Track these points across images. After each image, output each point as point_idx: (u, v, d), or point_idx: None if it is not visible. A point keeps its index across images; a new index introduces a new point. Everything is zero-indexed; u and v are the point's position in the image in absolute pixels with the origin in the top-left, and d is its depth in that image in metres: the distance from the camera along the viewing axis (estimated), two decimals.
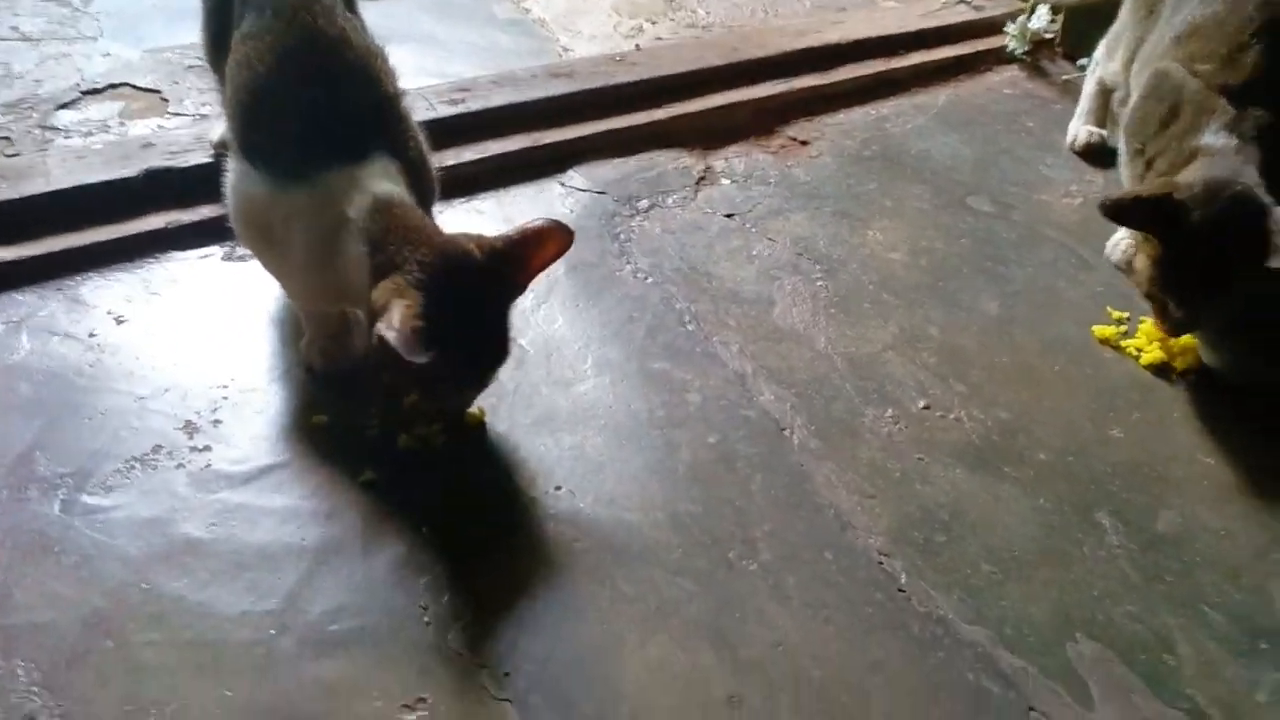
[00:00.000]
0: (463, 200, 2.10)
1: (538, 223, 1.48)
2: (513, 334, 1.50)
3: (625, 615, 1.41)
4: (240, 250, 1.91)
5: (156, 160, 1.96)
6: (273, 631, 1.35)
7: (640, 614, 1.42)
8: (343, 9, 1.65)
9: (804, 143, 2.39)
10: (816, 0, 2.97)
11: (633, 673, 1.35)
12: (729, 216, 2.15)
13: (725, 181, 2.25)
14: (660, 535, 1.52)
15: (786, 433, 1.70)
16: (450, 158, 2.10)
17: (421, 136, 1.67)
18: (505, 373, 1.69)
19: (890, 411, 1.74)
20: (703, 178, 2.26)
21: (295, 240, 1.52)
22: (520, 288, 1.50)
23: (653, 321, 1.88)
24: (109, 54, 2.51)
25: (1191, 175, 1.74)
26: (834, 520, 1.57)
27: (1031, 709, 1.35)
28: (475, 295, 1.43)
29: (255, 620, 1.36)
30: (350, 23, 1.65)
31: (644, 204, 2.16)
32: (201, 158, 1.99)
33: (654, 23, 2.82)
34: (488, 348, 1.48)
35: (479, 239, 1.47)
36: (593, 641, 1.38)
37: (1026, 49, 2.69)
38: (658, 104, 2.37)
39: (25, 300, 1.77)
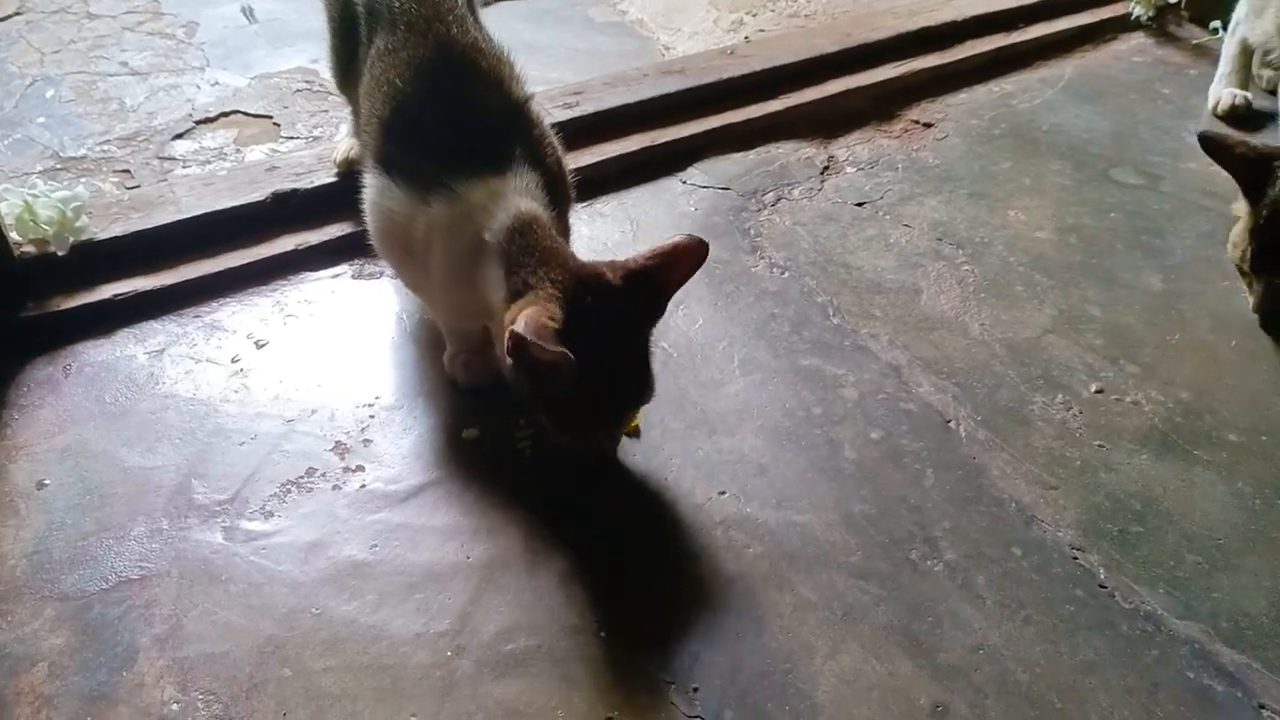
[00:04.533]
0: (584, 204, 2.05)
1: (672, 239, 1.40)
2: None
3: (810, 623, 1.34)
4: (369, 268, 1.89)
5: (282, 183, 1.95)
6: (449, 653, 1.31)
7: (826, 621, 1.35)
8: (471, 18, 1.62)
9: (928, 125, 2.31)
10: None
11: (827, 684, 1.27)
12: (860, 205, 2.08)
13: (850, 170, 2.18)
14: (836, 537, 1.45)
15: (952, 424, 1.62)
16: (568, 162, 2.06)
17: (557, 141, 1.62)
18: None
19: (1060, 397, 1.65)
20: (827, 167, 2.18)
21: (435, 256, 1.48)
22: (659, 310, 1.42)
23: (796, 316, 1.81)
24: (217, 83, 2.52)
25: None
26: (1016, 514, 1.48)
27: (1262, 706, 1.25)
28: (614, 322, 1.37)
29: (431, 642, 1.32)
30: (480, 30, 1.63)
31: (770, 197, 2.09)
32: (325, 178, 1.97)
33: (754, 15, 2.76)
34: (632, 379, 1.42)
35: (610, 264, 1.40)
36: (780, 652, 1.31)
37: (1151, 15, 2.57)
38: (772, 95, 2.30)
39: (165, 328, 1.76)
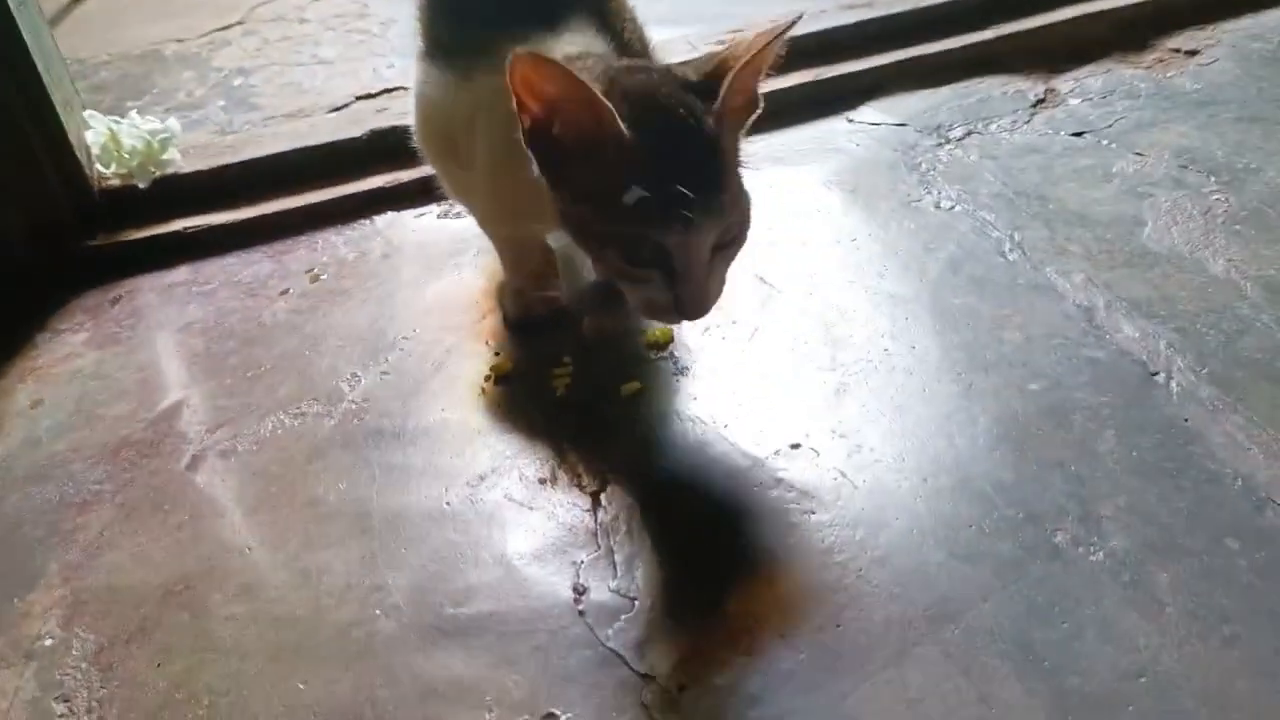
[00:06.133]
0: None
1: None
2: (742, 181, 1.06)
3: (877, 619, 0.90)
4: (457, 207, 1.64)
5: (385, 122, 1.76)
6: (377, 612, 0.98)
7: (900, 618, 0.89)
8: None
9: (1191, 52, 1.76)
10: None
11: (884, 711, 0.82)
12: (1077, 135, 1.59)
13: (1074, 100, 1.68)
14: (944, 506, 0.99)
15: (1159, 377, 1.10)
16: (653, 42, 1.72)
17: (638, 18, 1.30)
18: (749, 310, 1.27)
19: None
20: (1041, 100, 1.70)
21: (480, 142, 1.19)
22: (749, 107, 1.06)
23: (956, 252, 1.36)
24: (393, 66, 2.43)
25: None
26: (1241, 494, 0.95)
27: None
28: (684, 117, 0.99)
29: (360, 597, 1.00)
30: None
31: (957, 132, 1.65)
32: None
33: None
34: (699, 174, 0.99)
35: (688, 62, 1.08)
36: (827, 660, 0.87)
37: None
38: (983, 25, 1.85)
39: (225, 263, 1.58)
